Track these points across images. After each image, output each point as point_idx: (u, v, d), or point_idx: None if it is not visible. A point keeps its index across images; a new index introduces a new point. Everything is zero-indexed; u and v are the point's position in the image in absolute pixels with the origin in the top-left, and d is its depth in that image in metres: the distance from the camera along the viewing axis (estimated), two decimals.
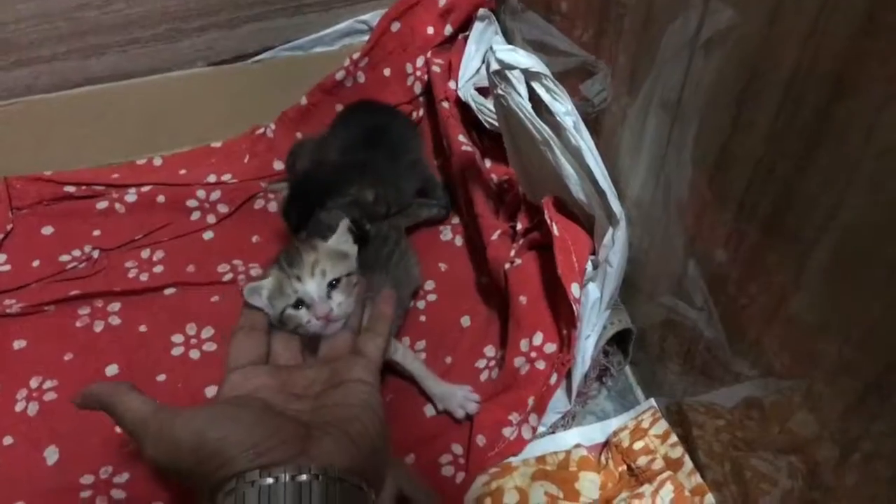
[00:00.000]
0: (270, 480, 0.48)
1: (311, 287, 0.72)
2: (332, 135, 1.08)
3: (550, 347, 0.80)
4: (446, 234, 1.06)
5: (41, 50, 1.08)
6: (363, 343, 0.68)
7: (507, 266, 0.86)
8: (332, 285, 0.73)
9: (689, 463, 0.72)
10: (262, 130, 1.18)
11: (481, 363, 0.88)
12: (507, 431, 0.78)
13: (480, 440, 0.78)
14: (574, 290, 0.76)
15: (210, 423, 0.52)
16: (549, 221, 0.79)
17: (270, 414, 0.55)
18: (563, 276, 0.76)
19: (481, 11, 1.10)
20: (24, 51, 1.07)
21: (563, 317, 0.78)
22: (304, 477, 0.48)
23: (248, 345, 0.68)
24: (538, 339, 0.80)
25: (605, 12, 0.76)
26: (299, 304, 0.72)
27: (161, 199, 1.09)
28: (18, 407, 0.86)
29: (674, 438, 0.74)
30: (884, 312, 0.46)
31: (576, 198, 0.78)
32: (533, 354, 0.80)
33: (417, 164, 1.06)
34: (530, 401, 0.78)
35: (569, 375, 0.78)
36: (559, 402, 0.79)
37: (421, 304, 0.97)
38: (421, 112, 1.16)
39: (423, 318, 0.95)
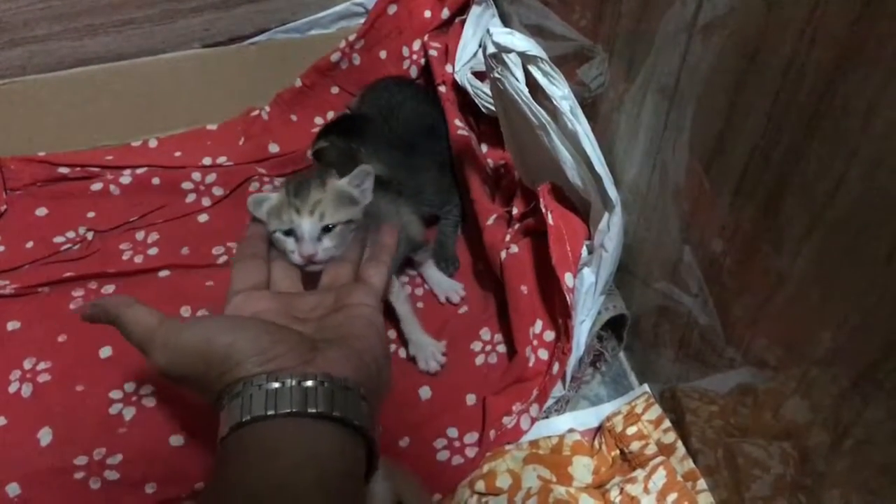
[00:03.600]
0: (277, 384, 0.49)
1: (305, 225, 0.74)
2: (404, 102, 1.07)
3: (550, 335, 0.80)
4: None
5: (35, 30, 1.07)
6: (365, 270, 0.68)
7: (503, 254, 0.86)
8: (327, 229, 0.75)
9: (681, 448, 0.72)
10: (256, 112, 1.17)
11: (476, 346, 0.89)
12: (506, 420, 0.78)
13: (493, 434, 0.79)
14: (567, 279, 0.76)
15: (218, 330, 0.53)
16: (544, 210, 0.79)
17: (276, 326, 0.56)
18: (556, 265, 0.76)
19: None
20: (18, 30, 1.06)
21: (558, 306, 0.78)
22: (309, 382, 0.49)
23: (250, 270, 0.68)
24: (538, 326, 0.81)
25: None
26: (290, 232, 0.74)
27: (156, 181, 1.08)
28: (12, 388, 0.85)
29: (667, 424, 0.74)
30: (878, 300, 0.46)
31: (572, 182, 0.78)
32: (535, 343, 0.80)
33: (444, 167, 1.04)
34: (534, 391, 0.79)
35: None
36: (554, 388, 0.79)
37: (419, 291, 0.97)
38: None
39: (420, 304, 0.95)
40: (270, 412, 0.47)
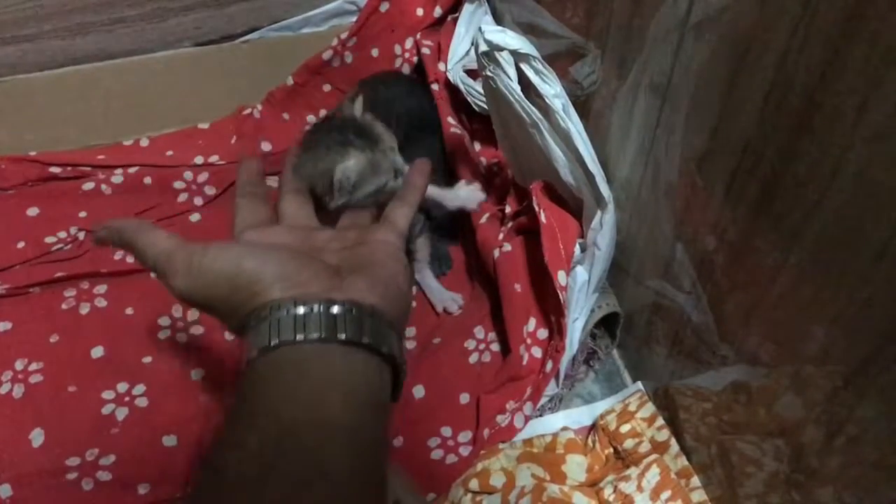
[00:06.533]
0: (304, 309, 0.48)
1: (399, 158, 0.73)
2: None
3: (543, 333, 0.80)
4: None
5: (26, 28, 1.06)
6: (391, 210, 0.65)
7: (496, 253, 0.86)
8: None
9: (675, 446, 0.72)
10: (248, 111, 1.17)
11: (470, 344, 0.88)
12: (500, 418, 0.78)
13: (487, 433, 0.78)
14: (560, 277, 0.76)
15: (245, 254, 0.53)
16: (536, 208, 0.79)
17: (300, 252, 0.55)
18: (549, 263, 0.77)
19: None
20: (8, 29, 1.06)
21: (551, 304, 0.78)
22: (336, 309, 0.49)
23: (256, 207, 0.65)
24: (532, 325, 0.81)
25: None
26: (397, 174, 0.72)
27: (148, 180, 1.08)
28: (3, 389, 0.85)
29: (660, 422, 0.74)
30: (870, 297, 0.46)
31: (564, 181, 0.78)
32: (529, 341, 0.80)
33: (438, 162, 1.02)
34: (528, 390, 0.79)
35: None
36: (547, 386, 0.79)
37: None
38: None
39: (413, 304, 0.95)
40: (299, 337, 0.47)
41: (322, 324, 0.48)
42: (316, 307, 0.48)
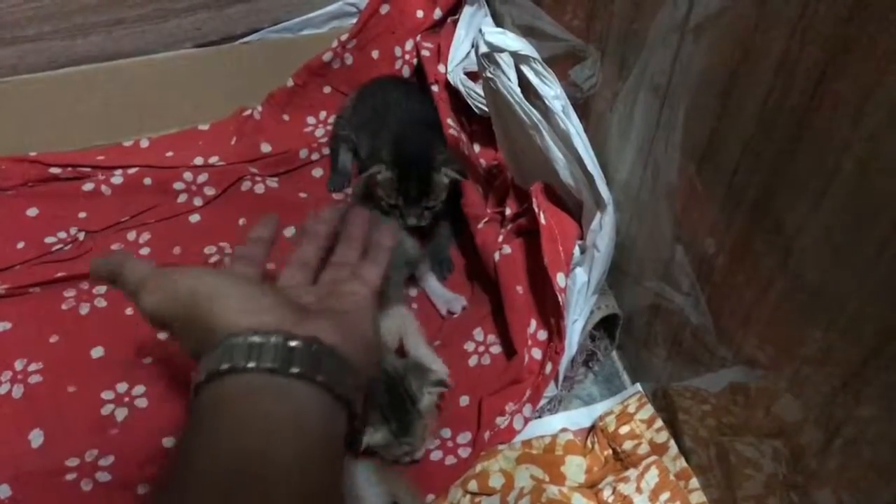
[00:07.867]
0: (260, 339, 0.47)
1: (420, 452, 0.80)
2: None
3: (542, 335, 0.80)
4: None
5: (26, 29, 1.07)
6: (360, 267, 0.64)
7: (496, 255, 0.86)
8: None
9: (674, 447, 0.72)
10: (248, 112, 1.17)
11: (469, 346, 0.88)
12: (500, 420, 0.78)
13: (487, 436, 0.78)
14: (559, 279, 0.76)
15: (210, 272, 0.53)
16: (536, 210, 0.79)
17: (268, 285, 0.55)
18: (549, 265, 0.77)
19: None
20: (8, 30, 1.06)
21: (551, 306, 0.78)
22: (294, 343, 0.47)
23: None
24: (532, 326, 0.81)
25: None
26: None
27: (147, 181, 1.08)
28: (3, 389, 0.85)
29: (659, 423, 0.74)
30: (868, 298, 0.46)
31: (564, 182, 0.78)
32: (529, 343, 0.80)
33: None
34: (527, 392, 0.79)
35: None
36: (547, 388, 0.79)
37: (412, 292, 0.98)
38: None
39: (414, 305, 0.95)
40: (251, 364, 0.46)
41: (277, 355, 0.46)
42: (273, 338, 0.47)
